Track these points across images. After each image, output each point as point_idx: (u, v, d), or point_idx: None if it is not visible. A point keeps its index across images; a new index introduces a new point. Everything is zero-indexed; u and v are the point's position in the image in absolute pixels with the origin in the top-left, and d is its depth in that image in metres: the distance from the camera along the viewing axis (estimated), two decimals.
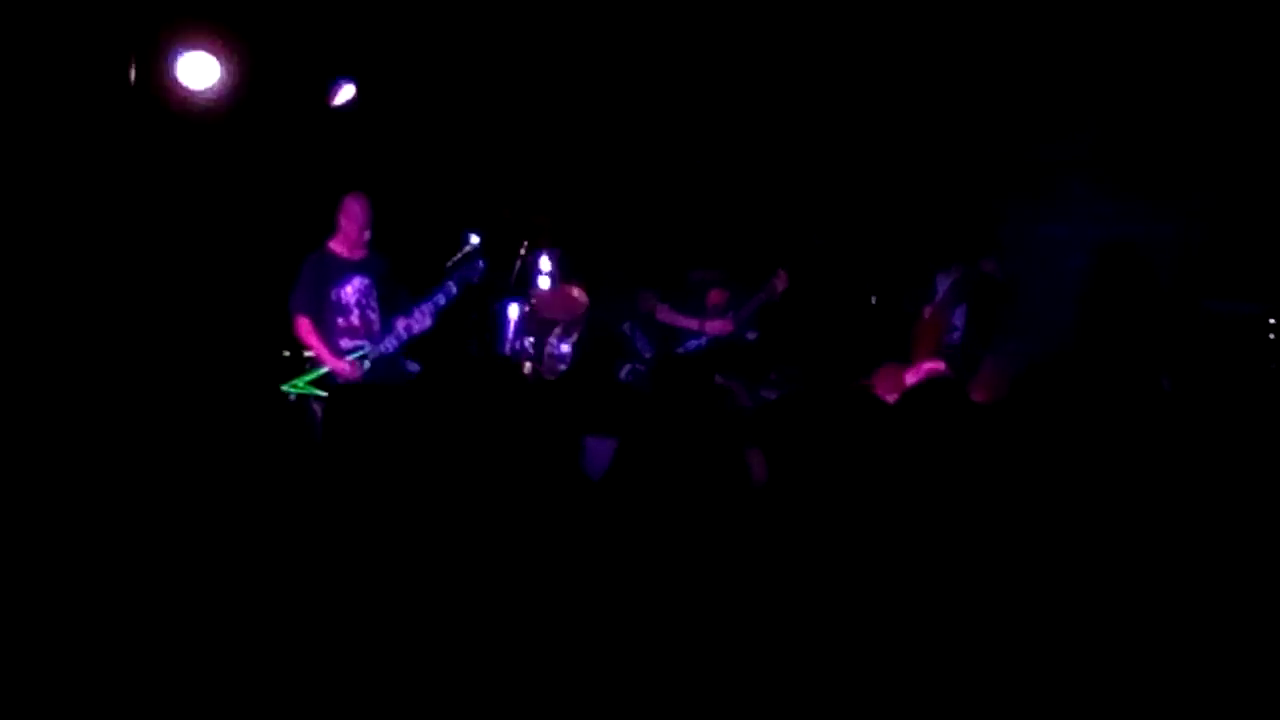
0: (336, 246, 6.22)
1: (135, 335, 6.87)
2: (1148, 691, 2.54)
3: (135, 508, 3.23)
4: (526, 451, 2.96)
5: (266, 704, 2.48)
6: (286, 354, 6.69)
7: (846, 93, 8.00)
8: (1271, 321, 6.79)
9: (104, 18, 6.65)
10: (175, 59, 6.77)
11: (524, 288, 8.41)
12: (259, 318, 6.79)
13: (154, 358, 6.80)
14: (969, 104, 7.83)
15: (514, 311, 8.47)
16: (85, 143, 6.77)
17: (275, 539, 2.82)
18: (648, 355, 7.49)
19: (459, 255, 6.64)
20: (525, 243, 8.18)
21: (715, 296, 7.55)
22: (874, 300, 7.92)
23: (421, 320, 6.21)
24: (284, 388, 6.15)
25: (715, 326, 7.46)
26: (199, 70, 6.81)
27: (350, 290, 6.20)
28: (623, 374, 6.91)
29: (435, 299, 6.24)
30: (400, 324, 6.21)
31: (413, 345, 6.29)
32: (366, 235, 6.22)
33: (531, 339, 8.28)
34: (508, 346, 8.41)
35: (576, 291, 8.26)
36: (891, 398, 4.87)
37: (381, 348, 6.20)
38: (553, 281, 8.68)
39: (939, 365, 5.31)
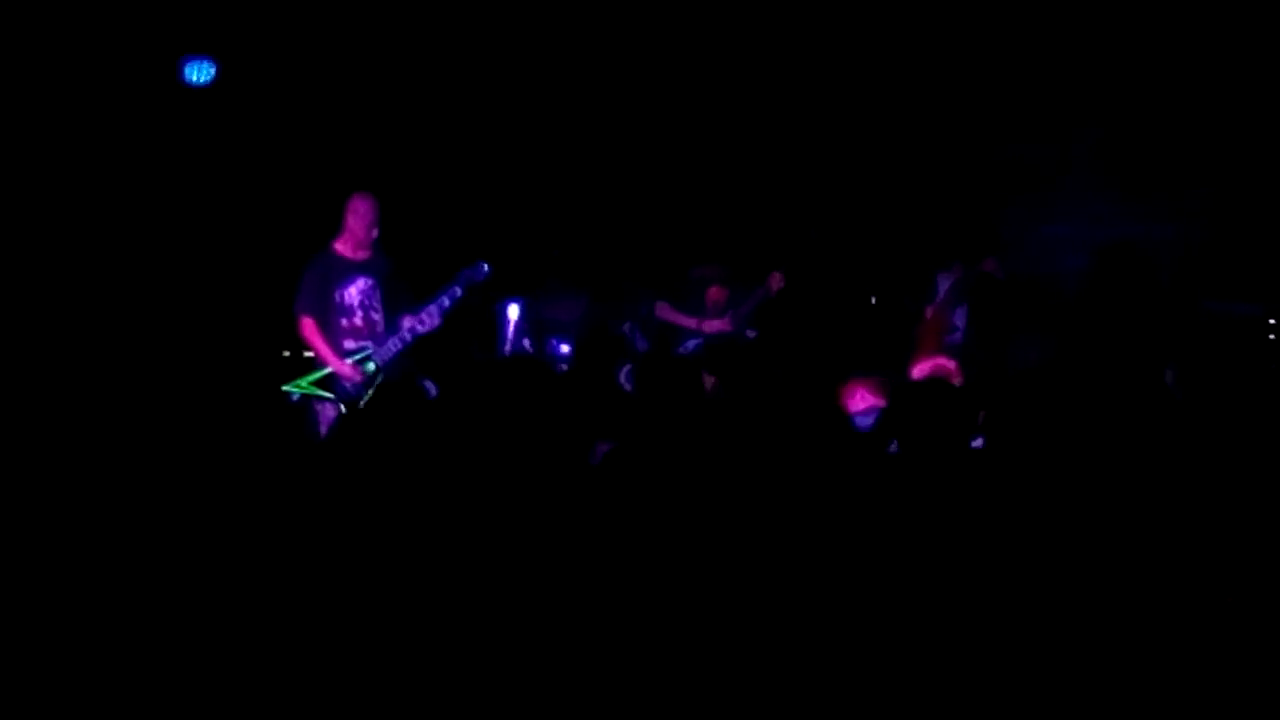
0: (341, 247, 6.20)
1: (137, 335, 6.86)
2: (1149, 688, 2.53)
3: (138, 506, 3.23)
4: (541, 450, 2.97)
5: (271, 703, 2.48)
6: (286, 354, 6.69)
7: (847, 92, 7.99)
8: (1271, 321, 6.79)
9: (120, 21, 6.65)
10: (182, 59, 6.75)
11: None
12: (262, 318, 6.79)
13: (157, 358, 6.80)
14: (969, 104, 7.82)
15: (514, 312, 8.45)
16: (82, 144, 6.78)
17: (281, 537, 2.82)
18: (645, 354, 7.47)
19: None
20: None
21: (715, 294, 7.54)
22: (874, 300, 7.91)
23: (428, 321, 6.18)
24: (287, 388, 6.15)
25: (713, 326, 7.45)
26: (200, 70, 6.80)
27: (354, 291, 6.18)
28: (622, 374, 6.89)
29: (440, 300, 6.21)
30: (406, 323, 6.19)
31: (414, 348, 6.27)
32: (374, 234, 6.21)
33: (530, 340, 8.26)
34: (508, 347, 8.39)
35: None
36: (859, 407, 4.88)
37: (385, 349, 6.19)
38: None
39: (949, 363, 5.29)
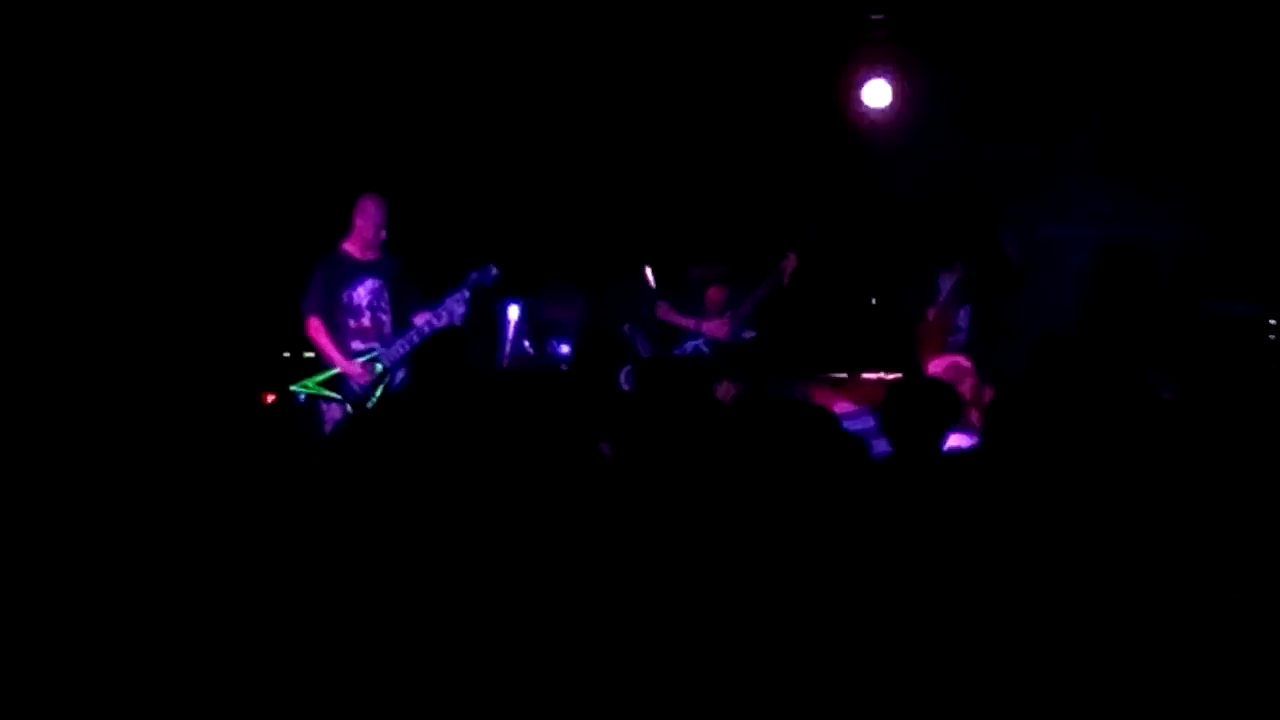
0: (349, 247, 6.20)
1: (145, 335, 6.87)
2: (1147, 690, 2.53)
3: (141, 505, 3.24)
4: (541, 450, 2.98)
5: (273, 703, 2.49)
6: (286, 355, 6.70)
7: (848, 92, 7.98)
8: (1271, 322, 6.79)
9: None
10: None
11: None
12: (269, 318, 6.80)
13: (163, 358, 6.80)
14: (971, 103, 7.82)
15: (514, 313, 8.45)
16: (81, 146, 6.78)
17: (284, 536, 2.83)
18: (647, 356, 7.48)
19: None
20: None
21: (714, 294, 7.54)
22: (874, 301, 7.91)
23: (438, 321, 6.17)
24: (294, 388, 6.15)
25: (712, 327, 7.45)
26: None
27: (362, 292, 6.18)
28: (623, 375, 6.90)
29: (449, 304, 6.19)
30: (420, 320, 6.18)
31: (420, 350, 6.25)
32: (382, 235, 6.21)
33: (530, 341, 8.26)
34: (508, 347, 8.39)
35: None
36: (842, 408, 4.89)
37: (393, 351, 6.18)
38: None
39: (965, 361, 5.27)
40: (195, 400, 6.56)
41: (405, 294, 6.28)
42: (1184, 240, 7.46)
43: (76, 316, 6.70)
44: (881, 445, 3.57)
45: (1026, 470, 3.15)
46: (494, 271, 6.33)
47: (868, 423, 4.44)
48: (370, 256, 6.20)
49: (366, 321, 6.19)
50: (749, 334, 7.55)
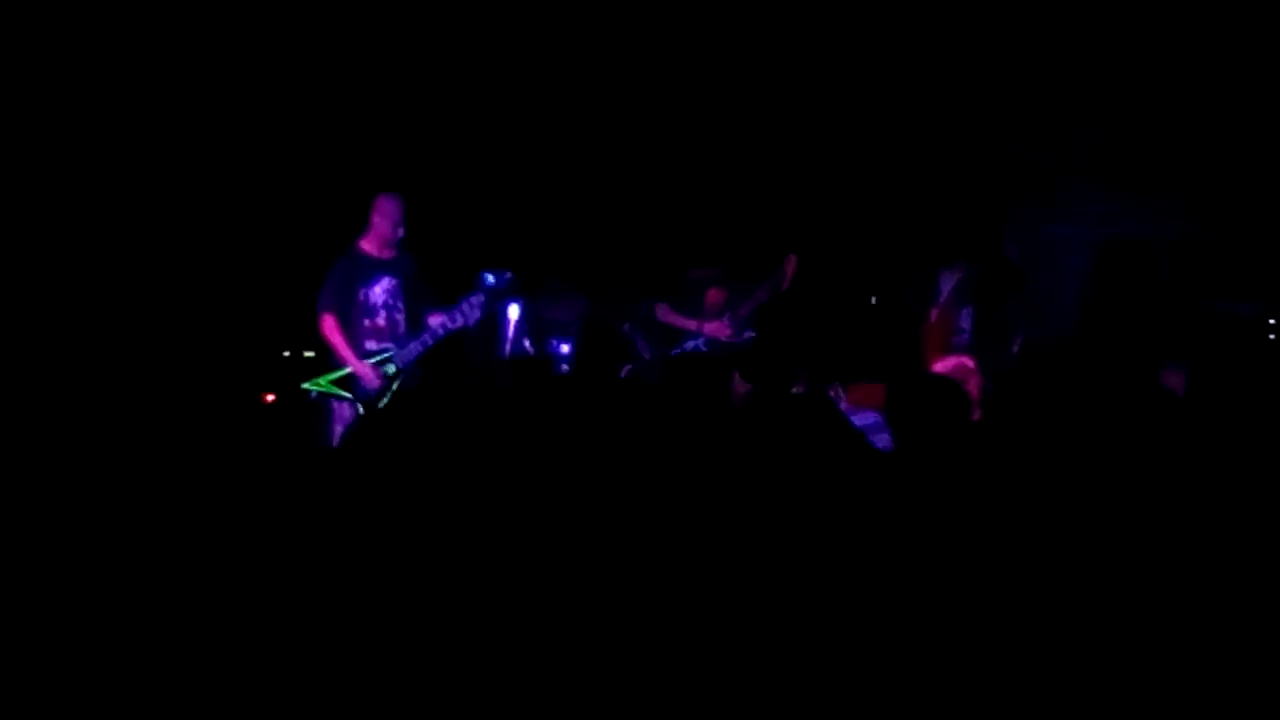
0: (367, 246, 6.19)
1: (157, 334, 6.87)
2: (1148, 689, 2.54)
3: (147, 503, 3.24)
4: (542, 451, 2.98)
5: (276, 703, 2.49)
6: (286, 354, 6.70)
7: (848, 92, 7.99)
8: (1271, 321, 6.79)
9: None
10: None
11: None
12: (267, 319, 6.80)
13: (175, 357, 6.81)
14: (972, 103, 7.82)
15: (514, 312, 8.44)
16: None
17: (292, 534, 2.83)
18: (647, 357, 7.48)
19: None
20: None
21: (714, 295, 7.54)
22: (875, 301, 7.91)
23: (453, 323, 6.17)
24: (305, 386, 6.15)
25: (712, 328, 7.46)
26: None
27: (379, 291, 6.18)
28: (622, 375, 6.90)
29: (464, 307, 6.18)
30: (435, 321, 6.18)
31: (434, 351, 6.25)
32: (400, 234, 6.20)
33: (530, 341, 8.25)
34: (508, 347, 8.39)
35: None
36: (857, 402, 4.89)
37: (407, 352, 6.17)
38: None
39: (970, 361, 5.28)
40: (196, 400, 6.57)
41: (420, 293, 6.28)
42: (1185, 240, 7.47)
43: (80, 316, 6.70)
44: (884, 440, 3.57)
45: (1028, 469, 3.15)
46: (509, 276, 6.34)
47: (870, 419, 4.44)
48: (387, 255, 6.20)
49: (381, 320, 6.18)
50: (749, 334, 7.56)
